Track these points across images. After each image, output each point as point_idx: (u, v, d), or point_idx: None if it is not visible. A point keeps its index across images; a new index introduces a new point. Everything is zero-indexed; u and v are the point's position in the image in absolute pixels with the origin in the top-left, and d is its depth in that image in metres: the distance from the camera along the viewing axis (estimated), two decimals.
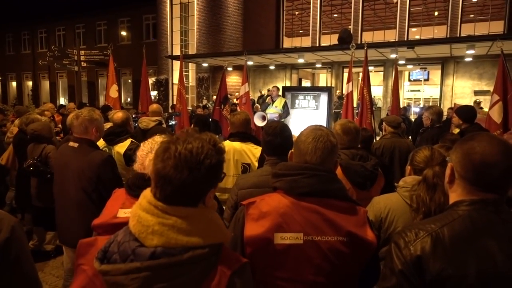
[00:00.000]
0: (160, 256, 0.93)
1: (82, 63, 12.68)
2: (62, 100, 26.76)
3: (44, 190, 3.92)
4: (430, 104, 15.96)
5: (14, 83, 30.71)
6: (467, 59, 14.05)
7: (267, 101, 8.80)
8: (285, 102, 8.17)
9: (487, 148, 1.11)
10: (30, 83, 29.58)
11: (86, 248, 1.09)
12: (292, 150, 1.51)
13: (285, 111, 8.05)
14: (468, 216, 1.12)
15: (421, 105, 16.30)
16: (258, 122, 7.73)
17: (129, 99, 24.39)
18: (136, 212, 1.00)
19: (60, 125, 7.02)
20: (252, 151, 2.86)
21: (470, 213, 1.12)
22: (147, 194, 1.02)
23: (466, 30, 16.97)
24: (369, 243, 1.35)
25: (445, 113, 8.22)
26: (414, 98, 19.54)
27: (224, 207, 2.24)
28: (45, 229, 4.35)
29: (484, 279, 1.05)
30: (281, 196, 1.38)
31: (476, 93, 14.62)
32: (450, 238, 1.09)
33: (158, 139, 1.64)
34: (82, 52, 12.85)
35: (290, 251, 1.32)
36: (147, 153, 1.60)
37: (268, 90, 15.71)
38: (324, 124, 6.88)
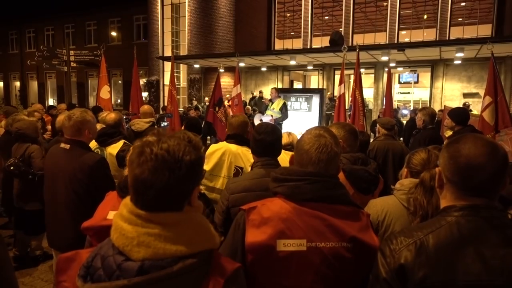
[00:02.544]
0: (149, 270, 0.86)
1: (72, 63, 12.49)
2: (51, 101, 26.37)
3: (26, 192, 3.81)
4: (420, 106, 16.14)
5: (1, 84, 30.16)
6: (456, 62, 14.26)
7: (265, 102, 8.74)
8: (284, 104, 8.02)
9: (472, 150, 1.07)
10: (17, 84, 29.08)
11: (67, 264, 1.00)
12: (293, 153, 1.47)
13: (283, 113, 7.89)
14: (456, 223, 1.08)
15: (411, 108, 16.47)
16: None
17: (119, 100, 24.15)
18: (117, 224, 0.92)
19: (49, 126, 6.89)
20: (247, 156, 2.84)
21: (458, 220, 1.08)
22: (127, 203, 0.94)
23: (455, 33, 17.24)
24: (373, 248, 1.31)
25: None
26: (404, 101, 19.76)
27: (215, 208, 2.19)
28: (25, 233, 4.16)
29: (471, 287, 1.02)
30: (283, 201, 1.33)
31: (465, 95, 14.83)
32: (434, 246, 1.06)
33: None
34: (71, 52, 12.65)
35: (293, 258, 1.28)
36: None
37: (260, 92, 15.83)
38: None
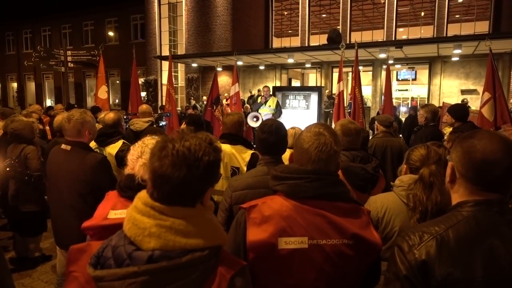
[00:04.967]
0: (158, 260, 0.90)
1: (69, 63, 12.45)
2: (49, 102, 26.28)
3: (22, 193, 3.79)
4: (418, 103, 16.16)
5: None
6: (454, 59, 14.27)
7: (259, 100, 8.84)
8: (277, 102, 8.24)
9: (488, 146, 1.08)
10: (15, 85, 28.97)
11: (78, 254, 1.05)
12: (292, 151, 1.46)
13: (278, 111, 8.12)
14: (473, 217, 1.08)
15: (409, 105, 16.49)
16: (251, 122, 7.74)
17: (117, 100, 24.09)
18: (131, 215, 0.96)
19: (48, 127, 6.88)
20: (242, 155, 2.80)
21: (475, 214, 1.08)
22: (142, 195, 0.99)
23: (452, 30, 17.23)
24: (374, 244, 1.32)
25: None
26: (402, 98, 19.76)
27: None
28: (20, 235, 4.14)
29: (491, 282, 1.02)
30: (283, 199, 1.33)
31: (463, 92, 14.85)
32: (455, 241, 1.05)
33: (148, 141, 1.60)
34: (69, 52, 12.61)
35: (294, 256, 1.27)
36: (137, 158, 1.56)
37: (258, 90, 15.82)
38: None
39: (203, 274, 0.94)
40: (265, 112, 8.02)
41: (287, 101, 9.80)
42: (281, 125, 2.16)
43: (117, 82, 24.08)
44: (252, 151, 2.85)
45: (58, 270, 2.93)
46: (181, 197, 0.95)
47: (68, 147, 2.58)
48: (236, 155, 2.81)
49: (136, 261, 0.90)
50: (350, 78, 16.28)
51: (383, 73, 15.55)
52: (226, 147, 2.82)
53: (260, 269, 1.28)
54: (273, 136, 2.04)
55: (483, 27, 16.89)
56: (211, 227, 0.99)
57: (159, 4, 19.78)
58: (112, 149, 3.25)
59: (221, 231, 1.03)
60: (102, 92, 8.55)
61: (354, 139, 2.60)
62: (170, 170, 0.93)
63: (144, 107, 4.69)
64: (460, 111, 4.05)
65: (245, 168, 2.76)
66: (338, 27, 18.78)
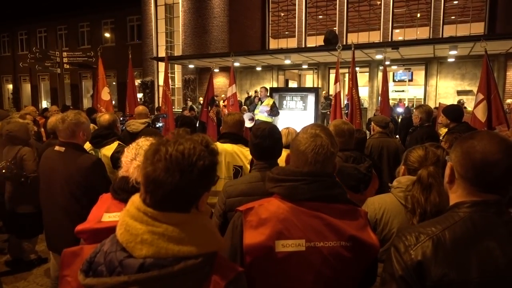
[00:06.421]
0: (150, 268, 0.86)
1: (65, 65, 12.39)
2: (45, 103, 26.15)
3: (18, 194, 3.76)
4: (414, 104, 16.22)
5: None
6: (450, 60, 14.33)
7: (255, 101, 8.89)
8: (274, 102, 8.27)
9: (487, 147, 1.07)
10: (10, 86, 28.81)
11: (71, 259, 1.03)
12: (288, 152, 1.45)
13: (274, 111, 8.12)
14: (470, 218, 1.08)
15: (405, 106, 16.52)
16: (247, 123, 7.75)
17: (113, 102, 23.99)
18: (123, 220, 0.93)
19: (42, 129, 6.84)
20: (244, 153, 2.79)
21: (471, 215, 1.08)
22: (135, 200, 0.95)
23: (448, 31, 17.33)
24: (372, 246, 1.31)
25: None
26: (399, 99, 19.81)
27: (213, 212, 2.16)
28: (17, 236, 4.11)
29: (487, 283, 1.01)
30: (280, 201, 1.31)
31: (459, 93, 14.90)
32: (451, 241, 1.05)
33: (142, 143, 1.57)
34: (64, 54, 12.55)
35: (292, 259, 1.26)
36: (131, 160, 1.53)
37: (256, 92, 15.82)
38: None
39: (196, 282, 0.91)
40: (260, 109, 8.06)
41: (284, 102, 9.79)
42: (274, 128, 2.10)
43: (114, 83, 23.98)
44: None
45: (51, 273, 2.90)
46: (174, 202, 0.92)
47: (62, 149, 2.55)
48: (239, 154, 2.80)
49: (127, 269, 0.87)
50: (346, 79, 16.32)
51: (380, 74, 15.57)
52: (227, 146, 2.80)
53: (257, 272, 1.26)
54: (266, 141, 1.99)
55: (478, 28, 16.99)
56: (205, 233, 0.96)
57: (156, 5, 19.75)
58: (108, 150, 3.24)
59: (216, 236, 0.99)
60: (105, 94, 8.57)
61: (347, 140, 2.61)
62: (163, 175, 0.90)
63: (140, 108, 4.67)
64: (454, 111, 4.06)
65: (248, 166, 2.74)
66: (334, 28, 18.81)
